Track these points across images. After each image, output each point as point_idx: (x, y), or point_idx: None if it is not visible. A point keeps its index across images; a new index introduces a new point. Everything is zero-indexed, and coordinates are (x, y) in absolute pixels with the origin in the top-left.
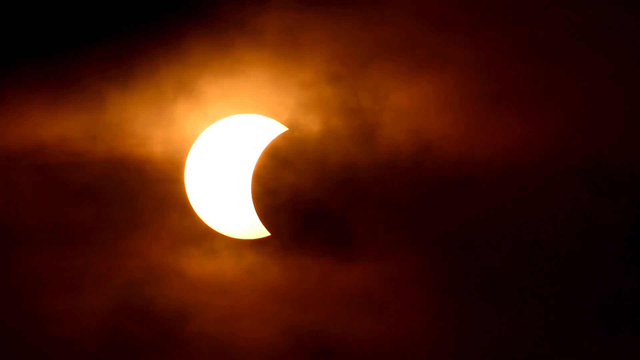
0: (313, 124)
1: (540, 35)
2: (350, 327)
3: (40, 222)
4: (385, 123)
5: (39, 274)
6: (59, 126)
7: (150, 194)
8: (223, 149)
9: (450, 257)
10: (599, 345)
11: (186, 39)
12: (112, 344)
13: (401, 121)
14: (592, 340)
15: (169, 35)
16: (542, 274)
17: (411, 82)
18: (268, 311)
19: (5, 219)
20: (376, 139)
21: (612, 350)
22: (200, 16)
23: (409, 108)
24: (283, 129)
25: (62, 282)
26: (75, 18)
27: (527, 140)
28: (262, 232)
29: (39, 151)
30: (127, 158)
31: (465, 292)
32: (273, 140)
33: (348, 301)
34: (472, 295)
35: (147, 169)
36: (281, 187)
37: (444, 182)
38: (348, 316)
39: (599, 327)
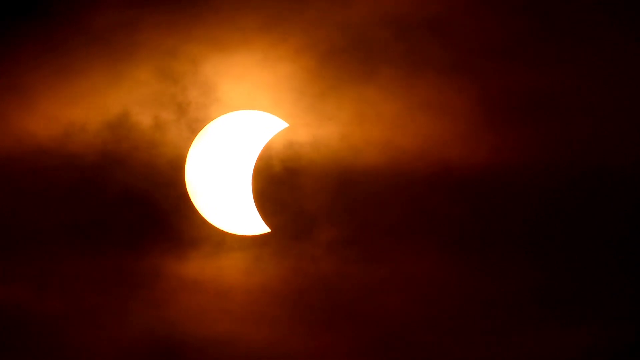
0: (144, 120)
1: (366, 31)
2: (194, 326)
3: None
4: (214, 117)
5: None
6: None
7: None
8: (224, 146)
9: (282, 251)
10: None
11: (17, 36)
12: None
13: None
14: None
15: None
16: (370, 268)
17: (243, 77)
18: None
19: None
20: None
21: (476, 345)
22: (32, 13)
23: (239, 102)
24: (284, 125)
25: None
26: None
27: (352, 132)
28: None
29: None
30: None
31: (295, 288)
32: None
33: (185, 299)
34: (302, 291)
35: None
36: (111, 184)
37: (274, 175)
38: (188, 315)
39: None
